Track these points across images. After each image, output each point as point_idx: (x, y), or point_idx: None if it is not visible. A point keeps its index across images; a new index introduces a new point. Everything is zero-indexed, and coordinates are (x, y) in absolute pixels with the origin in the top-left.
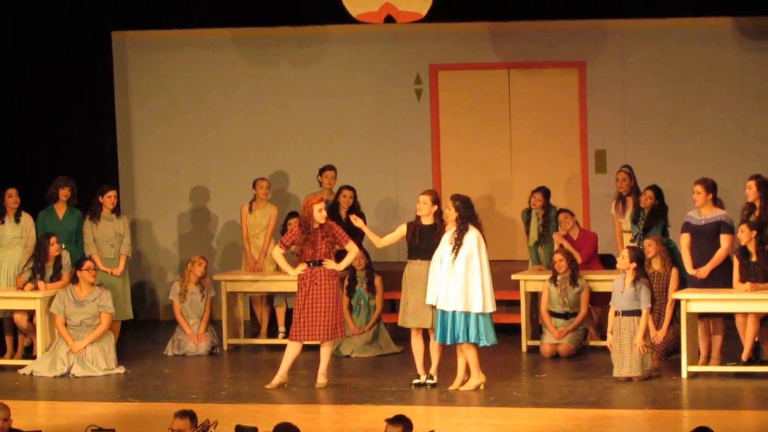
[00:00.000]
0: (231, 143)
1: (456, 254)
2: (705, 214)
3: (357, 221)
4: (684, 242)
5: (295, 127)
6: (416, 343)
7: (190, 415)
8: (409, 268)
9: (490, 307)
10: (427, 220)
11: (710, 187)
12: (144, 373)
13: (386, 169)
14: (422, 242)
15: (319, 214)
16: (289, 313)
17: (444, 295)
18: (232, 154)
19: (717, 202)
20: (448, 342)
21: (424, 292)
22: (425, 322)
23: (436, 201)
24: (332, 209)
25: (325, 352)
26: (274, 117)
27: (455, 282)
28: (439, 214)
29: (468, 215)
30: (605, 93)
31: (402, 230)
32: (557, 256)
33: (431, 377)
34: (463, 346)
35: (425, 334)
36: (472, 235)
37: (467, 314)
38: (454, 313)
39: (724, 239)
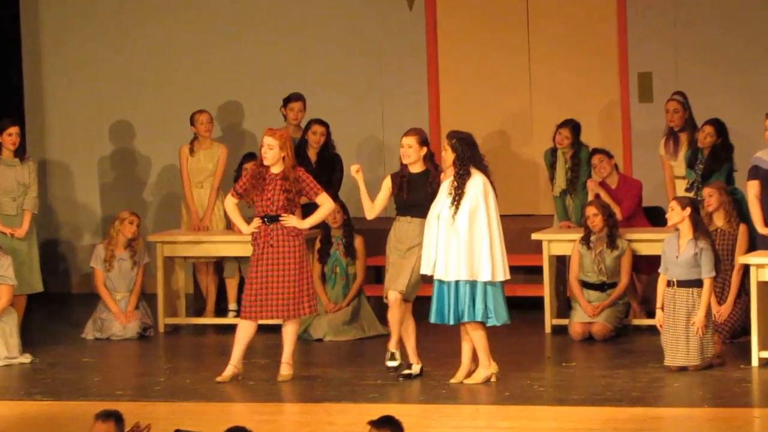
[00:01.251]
0: (167, 67)
1: (457, 207)
2: None
3: (358, 174)
4: (753, 191)
5: (250, 45)
6: (406, 323)
7: (115, 417)
8: (395, 228)
9: (501, 276)
10: (416, 167)
11: None
12: (56, 362)
13: (369, 99)
14: (411, 196)
15: (268, 152)
16: (243, 285)
17: (443, 262)
18: (168, 80)
19: None
20: (451, 322)
21: (410, 255)
22: (398, 285)
23: (425, 142)
24: (299, 149)
25: (288, 335)
26: (222, 29)
27: (457, 243)
28: (431, 157)
29: (470, 156)
30: (651, 1)
31: (387, 185)
32: (590, 210)
33: (408, 366)
34: (468, 326)
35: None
36: (477, 181)
37: (473, 285)
38: (456, 283)
39: None
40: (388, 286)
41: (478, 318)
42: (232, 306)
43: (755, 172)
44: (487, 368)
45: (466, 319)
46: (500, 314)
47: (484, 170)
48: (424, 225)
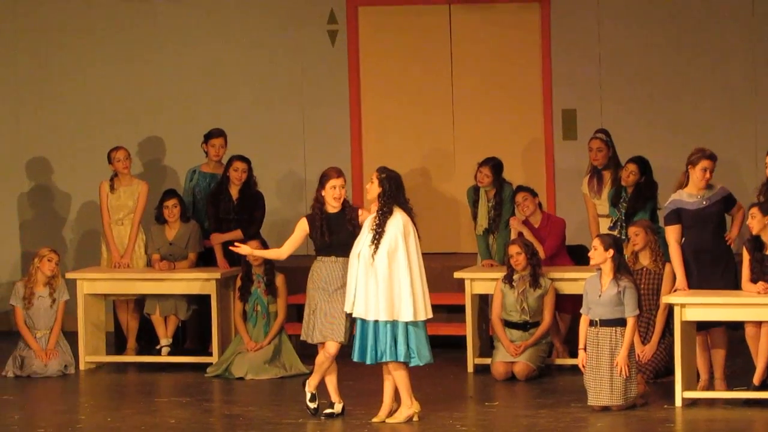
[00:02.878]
0: (87, 101)
1: (376, 247)
2: (702, 192)
3: (241, 249)
4: (674, 236)
5: (172, 82)
6: (329, 363)
7: None
8: (319, 268)
9: (423, 315)
10: (331, 208)
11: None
12: None
13: (291, 134)
14: (333, 237)
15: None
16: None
17: (363, 301)
18: (88, 116)
19: None
20: (369, 361)
21: (338, 296)
22: (336, 335)
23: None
24: (221, 186)
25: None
26: (145, 67)
27: (375, 283)
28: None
29: (395, 195)
30: (575, 36)
31: (303, 228)
32: (513, 249)
33: (331, 404)
34: (390, 366)
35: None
36: (398, 220)
37: (394, 325)
38: (376, 323)
39: (738, 207)
40: (326, 334)
41: (401, 359)
42: (164, 342)
43: (675, 216)
44: (410, 407)
45: (387, 359)
46: (423, 354)
47: (407, 211)
48: (339, 263)
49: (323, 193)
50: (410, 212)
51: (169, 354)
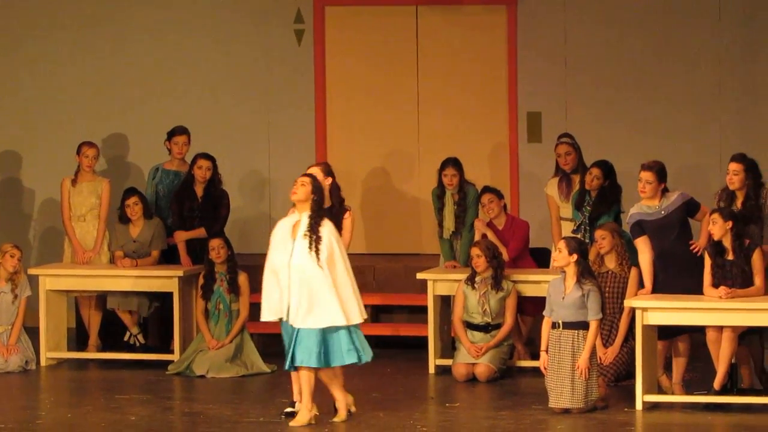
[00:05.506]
0: (51, 96)
1: (317, 252)
2: (658, 202)
3: None
4: (645, 246)
5: (137, 79)
6: None
7: None
8: None
9: (358, 318)
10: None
11: (662, 173)
12: None
13: (255, 133)
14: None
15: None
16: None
17: (296, 308)
18: (52, 111)
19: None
20: (317, 364)
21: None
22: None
23: (329, 172)
24: (185, 184)
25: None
26: (109, 65)
27: (309, 289)
28: (335, 192)
29: (323, 200)
30: (541, 39)
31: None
32: (474, 251)
33: (292, 404)
34: (301, 369)
35: None
36: (329, 225)
37: (325, 330)
38: (302, 330)
39: (704, 212)
40: None
41: (348, 361)
42: (135, 330)
43: (640, 228)
44: (311, 410)
45: (345, 362)
46: (368, 350)
47: (329, 216)
48: None
49: None
50: (330, 217)
51: (132, 350)
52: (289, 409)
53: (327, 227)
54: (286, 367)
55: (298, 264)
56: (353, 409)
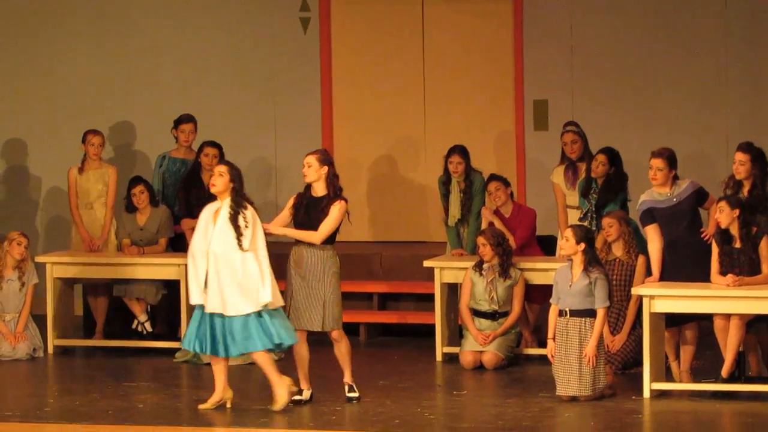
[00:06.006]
0: (59, 85)
1: (240, 240)
2: (669, 190)
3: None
4: (655, 234)
5: (144, 67)
6: (300, 349)
7: None
8: (296, 253)
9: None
10: (318, 191)
11: (672, 160)
12: None
13: (262, 121)
14: (305, 218)
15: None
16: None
17: (218, 294)
18: (60, 100)
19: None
20: (209, 351)
21: (309, 285)
22: (312, 324)
23: (326, 161)
24: (193, 172)
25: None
26: (116, 53)
27: (232, 276)
28: (333, 180)
29: (242, 187)
30: (547, 27)
31: (290, 204)
32: (480, 240)
33: (299, 391)
34: (254, 355)
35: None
36: (251, 212)
37: (248, 317)
38: (227, 317)
39: (711, 201)
40: (297, 319)
41: (268, 346)
42: (143, 318)
43: (651, 216)
44: (221, 394)
45: (259, 348)
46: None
47: (251, 203)
48: (325, 252)
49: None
50: (252, 204)
51: (140, 337)
52: (296, 397)
53: (246, 214)
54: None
55: (215, 251)
56: (294, 389)
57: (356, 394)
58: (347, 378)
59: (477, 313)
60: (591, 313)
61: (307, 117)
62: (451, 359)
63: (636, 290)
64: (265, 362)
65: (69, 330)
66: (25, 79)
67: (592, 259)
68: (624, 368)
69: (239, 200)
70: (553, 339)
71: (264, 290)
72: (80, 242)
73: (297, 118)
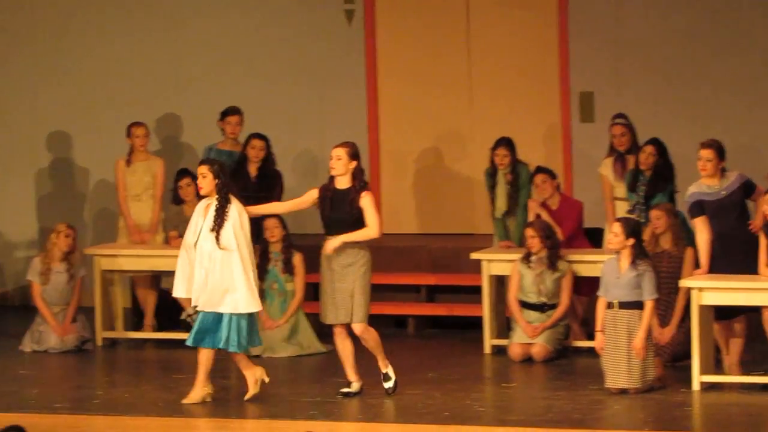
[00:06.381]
0: (106, 77)
1: (218, 236)
2: (718, 182)
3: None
4: (703, 226)
5: (190, 59)
6: (342, 343)
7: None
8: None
9: (256, 306)
10: (342, 183)
11: (721, 151)
12: None
13: (308, 112)
14: (333, 213)
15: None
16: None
17: (200, 290)
18: (107, 92)
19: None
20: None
21: (338, 278)
22: (338, 317)
23: (355, 156)
24: (239, 164)
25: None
26: (163, 45)
27: (212, 273)
28: (359, 174)
29: (228, 183)
30: (593, 18)
31: (312, 195)
32: (528, 232)
33: (348, 384)
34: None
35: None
36: (234, 210)
37: (227, 316)
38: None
39: (759, 193)
40: (335, 313)
41: (233, 348)
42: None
43: (700, 208)
44: (203, 388)
45: (229, 349)
46: (256, 340)
47: (238, 198)
48: (353, 244)
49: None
50: (239, 199)
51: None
52: (345, 390)
53: (233, 211)
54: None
55: (202, 246)
56: (266, 379)
57: (391, 384)
58: (381, 367)
59: (525, 305)
60: (639, 306)
61: (352, 109)
62: (500, 351)
63: (684, 282)
64: (208, 361)
65: (117, 322)
66: (71, 71)
67: (640, 253)
68: (674, 360)
69: (226, 197)
70: (602, 331)
71: (234, 294)
72: (128, 234)
73: (342, 109)
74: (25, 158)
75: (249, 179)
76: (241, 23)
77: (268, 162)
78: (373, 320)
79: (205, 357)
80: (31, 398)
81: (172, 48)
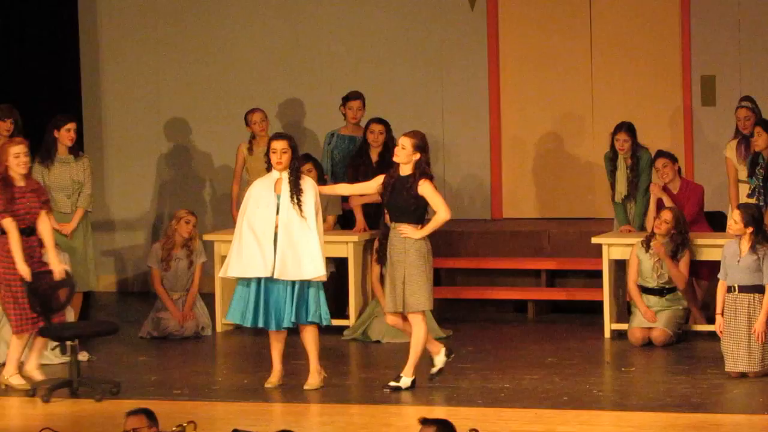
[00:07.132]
0: (226, 63)
1: (300, 206)
2: None
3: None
4: None
5: (311, 44)
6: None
7: (145, 412)
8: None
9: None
10: (405, 171)
11: None
12: (113, 360)
13: (429, 98)
14: (392, 198)
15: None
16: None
17: (282, 260)
18: (227, 77)
19: None
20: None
21: (393, 265)
22: (392, 305)
23: (420, 148)
24: (361, 149)
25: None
26: (284, 30)
27: (294, 243)
28: (421, 165)
29: (297, 153)
30: (714, 2)
31: (378, 181)
32: (667, 215)
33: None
34: (309, 328)
35: None
36: (309, 181)
37: (307, 284)
38: (296, 284)
39: None
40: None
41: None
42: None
43: None
44: (320, 373)
45: (314, 320)
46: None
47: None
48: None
49: None
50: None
51: None
52: (393, 383)
53: (308, 182)
54: (280, 326)
55: (286, 218)
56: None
57: (394, 384)
58: (406, 368)
59: (645, 290)
60: (760, 289)
61: (474, 93)
62: (620, 336)
63: None
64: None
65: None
66: (191, 58)
67: (761, 239)
68: None
69: (298, 169)
70: (722, 315)
71: (310, 264)
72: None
73: (464, 94)
74: (146, 145)
75: (370, 164)
76: (363, 8)
77: (388, 146)
78: (494, 305)
79: (311, 336)
80: (149, 384)
81: (294, 33)
